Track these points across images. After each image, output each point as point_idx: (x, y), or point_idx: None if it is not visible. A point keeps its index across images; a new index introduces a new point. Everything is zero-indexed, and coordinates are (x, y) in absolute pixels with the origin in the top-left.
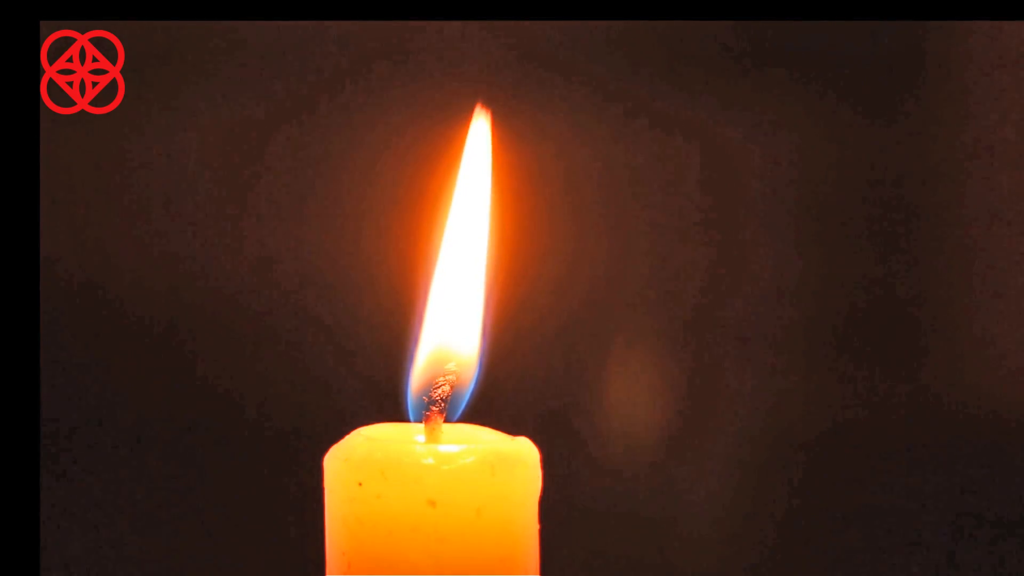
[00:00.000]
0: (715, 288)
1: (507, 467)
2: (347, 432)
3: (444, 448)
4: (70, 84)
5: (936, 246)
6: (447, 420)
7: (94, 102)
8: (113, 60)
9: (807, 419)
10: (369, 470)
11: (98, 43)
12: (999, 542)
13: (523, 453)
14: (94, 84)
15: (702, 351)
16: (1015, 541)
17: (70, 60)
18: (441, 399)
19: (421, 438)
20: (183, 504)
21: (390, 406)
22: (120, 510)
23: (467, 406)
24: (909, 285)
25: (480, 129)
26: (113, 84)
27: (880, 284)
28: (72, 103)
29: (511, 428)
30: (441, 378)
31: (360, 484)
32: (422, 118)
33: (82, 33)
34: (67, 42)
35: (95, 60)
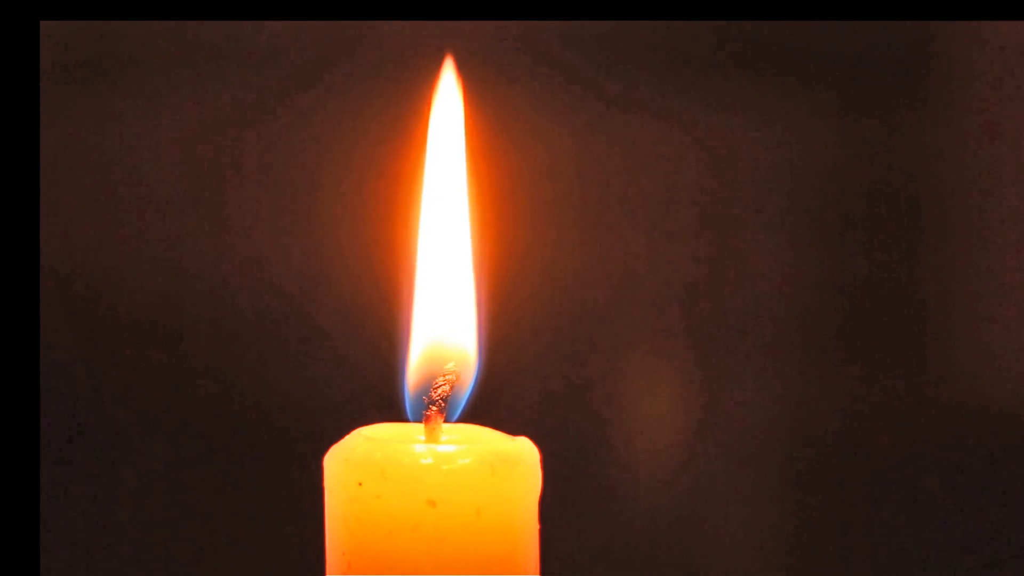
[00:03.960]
0: (714, 287)
1: (507, 467)
2: (347, 432)
3: (444, 448)
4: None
5: (937, 245)
6: (447, 420)
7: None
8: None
9: (808, 419)
10: (369, 470)
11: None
12: (1000, 541)
13: (523, 453)
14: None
15: (702, 350)
16: (1015, 541)
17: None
18: (441, 399)
19: (421, 438)
20: (183, 505)
21: (390, 406)
22: (120, 511)
23: (467, 406)
24: (910, 284)
25: (448, 89)
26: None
27: (881, 283)
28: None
29: (511, 428)
30: (440, 378)
31: (360, 484)
32: (402, 111)
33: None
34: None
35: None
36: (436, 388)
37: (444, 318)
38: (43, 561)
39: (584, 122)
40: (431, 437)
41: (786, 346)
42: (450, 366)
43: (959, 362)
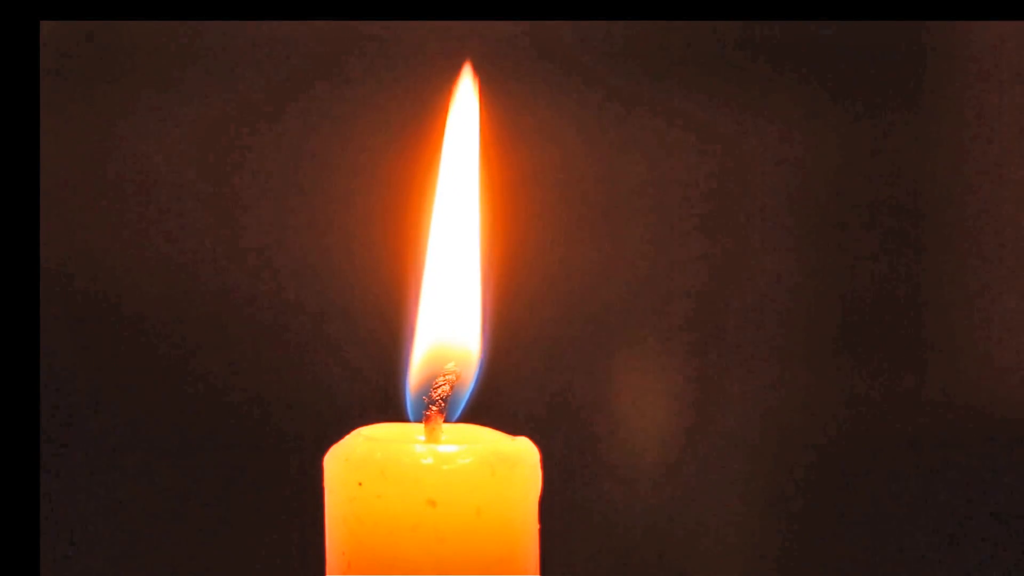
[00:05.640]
0: (716, 288)
1: (507, 467)
2: (347, 432)
3: (444, 448)
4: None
5: (937, 246)
6: (447, 420)
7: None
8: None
9: (807, 419)
10: (369, 470)
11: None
12: (1000, 541)
13: (523, 453)
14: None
15: (703, 350)
16: (1015, 540)
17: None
18: (441, 399)
19: (421, 438)
20: (183, 504)
21: (390, 406)
22: (120, 510)
23: (467, 405)
24: (910, 285)
25: (467, 94)
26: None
27: (881, 284)
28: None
29: (511, 428)
30: (441, 377)
31: (360, 484)
32: (411, 112)
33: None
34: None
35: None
36: (436, 388)
37: (449, 318)
38: (43, 560)
39: (592, 123)
40: (431, 437)
41: (788, 348)
42: (450, 366)
43: (959, 364)
